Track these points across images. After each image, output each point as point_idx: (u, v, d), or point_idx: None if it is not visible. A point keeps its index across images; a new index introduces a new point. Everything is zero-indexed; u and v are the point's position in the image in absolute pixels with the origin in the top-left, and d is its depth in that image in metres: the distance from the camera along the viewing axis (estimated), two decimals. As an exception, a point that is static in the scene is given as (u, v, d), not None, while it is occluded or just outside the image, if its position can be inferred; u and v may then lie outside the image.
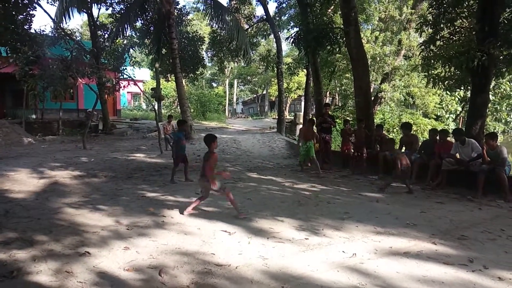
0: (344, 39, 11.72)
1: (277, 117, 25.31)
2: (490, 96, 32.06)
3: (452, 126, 27.81)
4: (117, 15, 20.39)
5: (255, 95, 60.98)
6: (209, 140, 5.37)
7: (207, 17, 20.19)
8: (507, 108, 32.92)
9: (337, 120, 18.42)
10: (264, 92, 54.76)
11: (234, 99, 62.50)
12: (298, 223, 5.02)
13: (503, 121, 33.65)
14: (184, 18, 22.63)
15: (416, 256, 3.95)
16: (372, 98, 21.99)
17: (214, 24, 20.56)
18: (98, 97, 15.75)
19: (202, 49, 24.71)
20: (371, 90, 22.67)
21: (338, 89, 31.23)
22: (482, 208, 6.17)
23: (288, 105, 47.60)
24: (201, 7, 23.03)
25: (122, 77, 19.02)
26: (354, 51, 10.90)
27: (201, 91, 41.48)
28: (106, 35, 20.97)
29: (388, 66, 20.34)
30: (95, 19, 20.91)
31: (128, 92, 34.46)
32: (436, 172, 7.88)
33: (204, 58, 26.36)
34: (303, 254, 3.97)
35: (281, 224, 4.98)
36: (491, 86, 32.40)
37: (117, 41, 20.53)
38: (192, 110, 30.87)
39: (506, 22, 8.60)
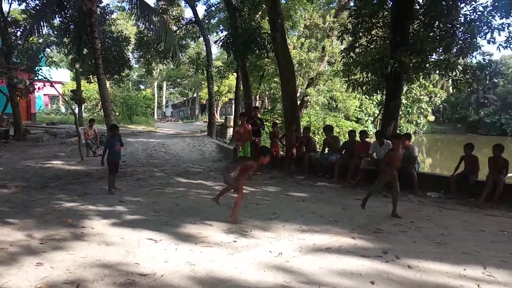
0: (272, 44, 12.04)
1: (207, 120, 25.15)
2: (403, 100, 35.27)
3: (371, 128, 30.10)
4: (32, 11, 18.72)
5: (185, 98, 60.02)
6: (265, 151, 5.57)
7: (133, 17, 19.39)
8: (417, 111, 36.53)
9: (266, 123, 18.86)
10: (195, 95, 54.16)
11: (164, 102, 60.84)
12: (227, 226, 5.01)
13: (414, 122, 37.22)
14: (107, 17, 21.48)
15: (337, 251, 4.18)
16: (299, 101, 23.01)
17: (141, 25, 19.80)
18: (9, 99, 14.27)
19: (128, 49, 23.68)
20: (298, 94, 23.61)
21: (267, 92, 31.99)
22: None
23: (219, 108, 47.61)
24: (126, 6, 22.07)
25: (37, 78, 17.48)
26: (281, 56, 11.24)
27: (127, 94, 39.71)
28: (19, 33, 19.14)
29: (313, 71, 21.34)
30: (6, 14, 18.97)
31: (44, 95, 31.75)
32: (356, 171, 8.43)
33: (130, 59, 25.28)
34: (231, 257, 3.98)
35: (210, 228, 4.94)
36: (404, 91, 35.46)
37: (31, 39, 18.85)
38: (117, 114, 29.41)
39: (414, 32, 9.50)
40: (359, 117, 30.19)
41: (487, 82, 9.46)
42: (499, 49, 8.89)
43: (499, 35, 8.49)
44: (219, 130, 23.13)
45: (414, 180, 7.59)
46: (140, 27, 21.36)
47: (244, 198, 5.58)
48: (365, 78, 10.35)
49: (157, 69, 43.65)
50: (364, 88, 10.77)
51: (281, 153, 10.83)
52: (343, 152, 9.13)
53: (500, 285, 3.44)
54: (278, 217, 5.58)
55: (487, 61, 9.52)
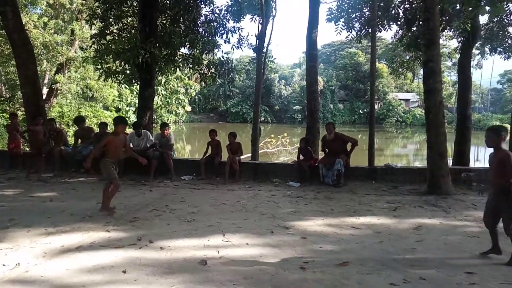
0: (1, 20, 9.95)
1: None
2: (163, 91, 36.51)
3: (133, 118, 29.81)
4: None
5: None
6: None
7: None
8: (176, 102, 38.81)
9: (3, 114, 15.72)
10: None
11: None
12: None
13: (173, 112, 39.38)
14: None
15: (89, 248, 3.94)
16: (47, 89, 20.20)
17: None
18: None
19: None
20: (46, 80, 20.71)
21: (3, 78, 26.50)
22: (153, 189, 6.96)
23: None
24: None
25: None
26: (15, 35, 9.47)
27: None
28: None
29: (62, 56, 19.10)
30: None
31: None
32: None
33: None
34: None
35: None
36: (162, 82, 36.25)
37: None
38: None
39: (163, 26, 9.91)
40: (119, 107, 29.33)
41: (227, 76, 10.96)
42: (233, 49, 10.49)
43: (232, 36, 10.01)
44: None
45: (170, 166, 8.04)
46: None
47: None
48: (118, 67, 10.11)
49: None
50: (118, 77, 10.51)
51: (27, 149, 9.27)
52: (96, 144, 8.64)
53: (234, 247, 4.10)
54: (18, 223, 4.76)
55: (225, 58, 11.03)
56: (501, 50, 13.27)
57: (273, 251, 3.99)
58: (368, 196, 6.75)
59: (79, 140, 8.83)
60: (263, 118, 50.27)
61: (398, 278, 3.35)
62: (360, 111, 55.39)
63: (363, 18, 11.19)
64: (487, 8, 6.35)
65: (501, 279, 3.34)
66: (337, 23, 11.17)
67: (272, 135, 23.67)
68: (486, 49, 13.67)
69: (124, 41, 9.41)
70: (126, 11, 10.15)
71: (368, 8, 10.63)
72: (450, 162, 11.47)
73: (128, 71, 10.67)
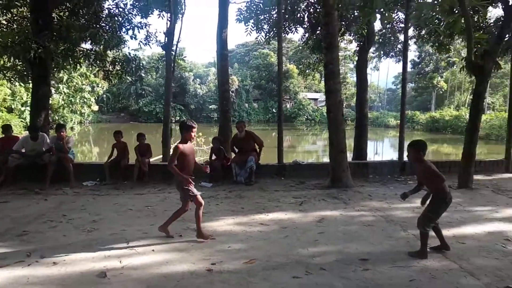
0: None
1: None
2: (65, 89, 33.56)
3: (29, 118, 26.93)
4: None
5: None
6: None
7: None
8: (81, 101, 35.97)
9: None
10: None
11: None
12: None
13: (78, 112, 36.44)
14: None
15: (-37, 271, 3.41)
16: None
17: None
18: None
19: None
20: None
21: None
22: (49, 198, 6.31)
23: None
24: None
25: None
26: None
27: None
28: None
29: None
30: None
31: None
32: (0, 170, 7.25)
33: None
34: None
35: None
36: (65, 80, 33.47)
37: None
38: None
39: (59, 18, 9.07)
40: (13, 106, 26.28)
41: (135, 74, 10.43)
42: (140, 45, 10.03)
43: (139, 32, 9.55)
44: None
45: (69, 171, 7.39)
46: None
47: None
48: (7, 62, 9.03)
49: None
50: (8, 73, 9.41)
51: None
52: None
53: (139, 255, 3.89)
54: None
55: (132, 55, 10.49)
56: (393, 54, 14.83)
57: (181, 256, 3.88)
58: (277, 193, 6.98)
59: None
60: (178, 118, 49.24)
61: (301, 271, 3.49)
62: (274, 110, 57.36)
63: (271, 20, 11.54)
64: (378, 16, 6.96)
65: (390, 263, 3.68)
66: (247, 24, 11.35)
67: (187, 135, 23.22)
68: (381, 52, 15.15)
69: (13, 33, 8.42)
70: (15, 0, 9.08)
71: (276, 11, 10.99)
72: (350, 157, 12.47)
73: (19, 67, 9.60)
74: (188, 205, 4.52)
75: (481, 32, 9.33)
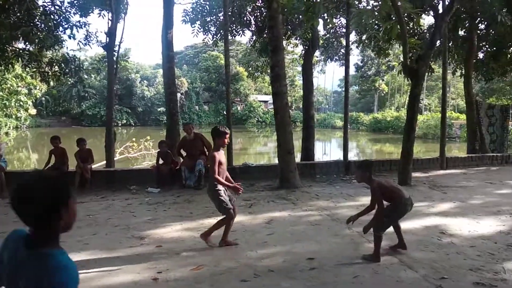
0: None
1: None
2: (-2, 92, 31.04)
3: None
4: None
5: None
6: None
7: None
8: (16, 104, 33.44)
9: None
10: None
11: None
12: None
13: (13, 116, 33.86)
14: None
15: None
16: None
17: None
18: None
19: None
20: None
21: None
22: (-24, 211, 5.76)
23: None
24: None
25: None
26: None
27: None
28: None
29: None
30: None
31: None
32: None
33: None
34: None
35: None
36: (-4, 81, 30.81)
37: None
38: None
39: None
40: None
41: (74, 76, 9.88)
42: (80, 46, 9.52)
43: (78, 31, 9.04)
44: None
45: (0, 181, 6.81)
46: None
47: None
48: None
49: None
50: None
51: None
52: None
53: (80, 267, 3.58)
54: None
55: (71, 56, 9.92)
56: (337, 58, 15.40)
57: (125, 266, 3.71)
58: (227, 196, 6.92)
59: None
60: (125, 121, 47.45)
61: (249, 274, 3.48)
62: (224, 112, 57.21)
63: (218, 22, 11.48)
64: (321, 20, 7.17)
65: (335, 261, 3.78)
66: (193, 25, 11.20)
67: (134, 139, 22.46)
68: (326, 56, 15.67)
69: None
70: None
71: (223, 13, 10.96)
72: (298, 157, 12.74)
73: None
74: (230, 213, 4.21)
75: (416, 38, 9.97)
